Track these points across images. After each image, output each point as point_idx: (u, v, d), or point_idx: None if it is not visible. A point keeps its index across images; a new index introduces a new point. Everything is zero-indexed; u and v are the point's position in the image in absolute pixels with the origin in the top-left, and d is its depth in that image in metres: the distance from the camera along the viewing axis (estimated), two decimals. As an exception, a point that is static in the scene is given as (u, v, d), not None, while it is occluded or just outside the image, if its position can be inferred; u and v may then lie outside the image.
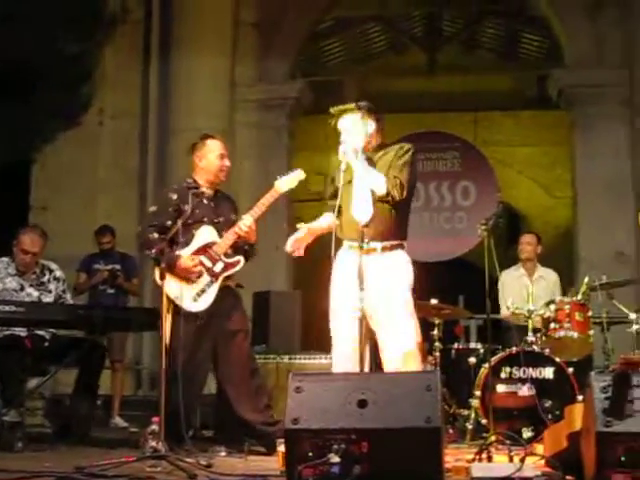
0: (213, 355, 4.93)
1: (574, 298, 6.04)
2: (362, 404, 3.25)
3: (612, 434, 3.11)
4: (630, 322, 6.00)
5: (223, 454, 4.70)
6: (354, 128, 4.40)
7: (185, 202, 4.83)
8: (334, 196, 4.35)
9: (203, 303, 4.78)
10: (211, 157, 5.02)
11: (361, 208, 4.26)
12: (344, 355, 4.28)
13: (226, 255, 4.86)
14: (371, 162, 4.41)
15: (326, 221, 4.61)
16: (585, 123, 9.45)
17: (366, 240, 4.17)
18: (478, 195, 10.18)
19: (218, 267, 4.82)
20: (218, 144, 5.07)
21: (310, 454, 3.20)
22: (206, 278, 4.81)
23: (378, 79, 12.61)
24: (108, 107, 9.59)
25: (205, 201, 4.98)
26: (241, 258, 4.88)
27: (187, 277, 4.76)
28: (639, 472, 3.07)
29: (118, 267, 7.32)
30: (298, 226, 4.58)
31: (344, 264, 4.32)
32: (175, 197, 4.92)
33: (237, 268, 4.87)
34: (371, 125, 4.46)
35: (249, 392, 4.89)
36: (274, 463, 4.00)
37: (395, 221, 4.40)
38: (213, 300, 4.80)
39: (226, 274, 4.84)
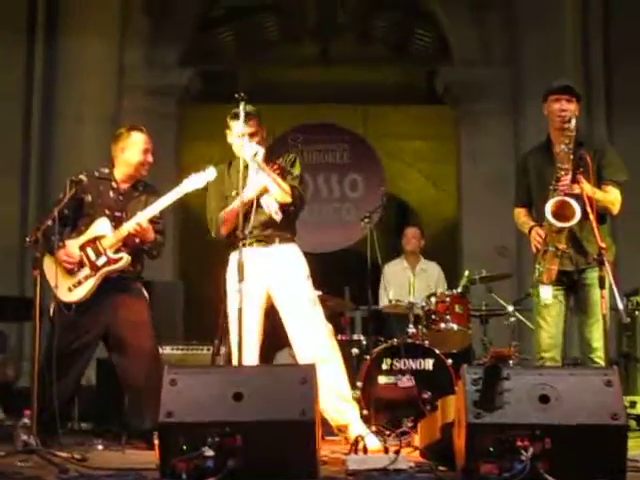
0: (110, 348, 4.88)
1: (454, 291, 6.18)
2: (237, 397, 3.25)
3: (481, 425, 3.19)
4: (508, 314, 6.19)
5: (100, 447, 4.64)
6: (257, 134, 4.62)
7: (88, 192, 4.80)
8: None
9: (76, 295, 4.71)
10: (134, 150, 4.92)
11: (273, 207, 4.62)
12: (249, 345, 4.41)
13: (116, 251, 4.76)
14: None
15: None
16: (470, 120, 9.71)
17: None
18: (366, 188, 10.36)
19: (101, 261, 4.74)
20: (143, 138, 4.95)
21: (184, 448, 3.18)
22: (86, 270, 4.74)
23: (271, 69, 12.55)
24: (-11, 88, 9.22)
25: (112, 193, 4.91)
26: (125, 255, 4.75)
27: (66, 267, 4.70)
28: (506, 462, 3.17)
29: None
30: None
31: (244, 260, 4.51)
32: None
33: (119, 265, 4.75)
34: (265, 132, 4.74)
35: (142, 390, 4.71)
36: (152, 457, 3.95)
37: (288, 218, 4.71)
38: (90, 292, 4.71)
39: (107, 269, 4.74)
